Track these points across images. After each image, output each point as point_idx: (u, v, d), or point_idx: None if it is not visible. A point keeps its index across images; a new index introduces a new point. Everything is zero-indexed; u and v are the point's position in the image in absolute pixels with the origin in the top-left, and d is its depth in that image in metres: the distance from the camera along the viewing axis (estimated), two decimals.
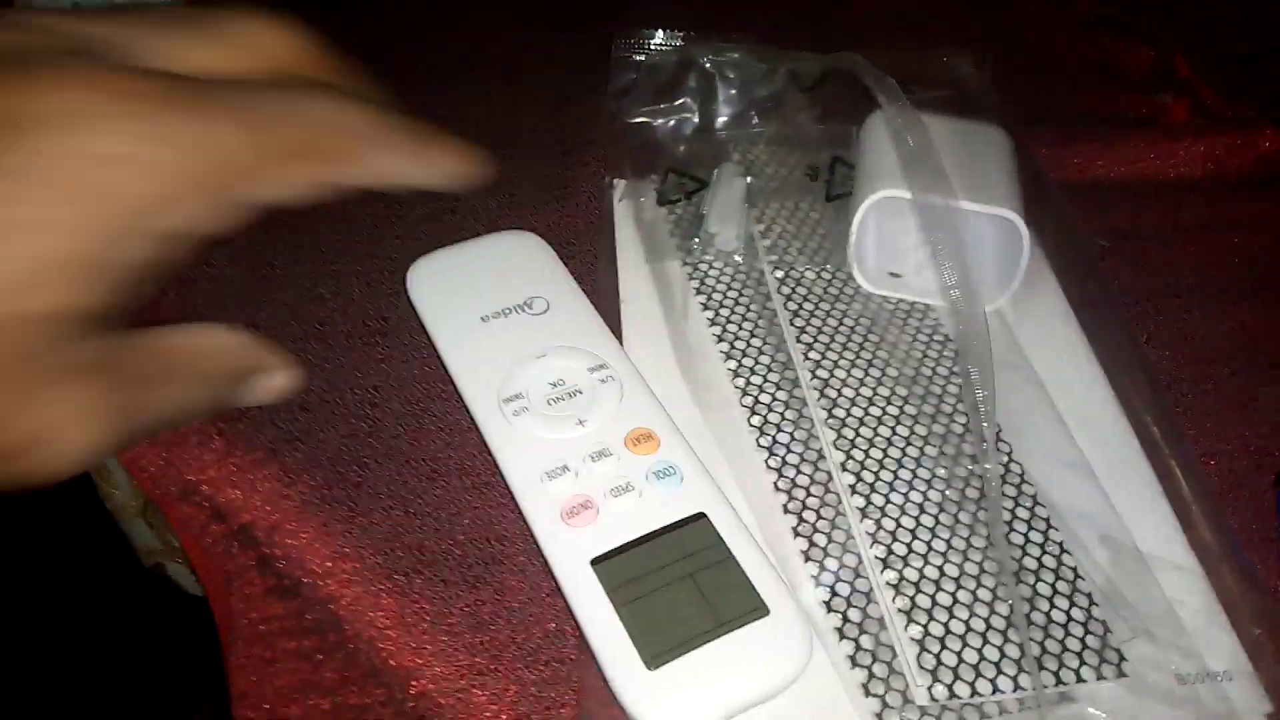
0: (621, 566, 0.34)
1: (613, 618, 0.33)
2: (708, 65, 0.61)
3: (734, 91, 0.61)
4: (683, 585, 0.34)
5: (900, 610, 0.40)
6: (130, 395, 0.24)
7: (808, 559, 0.42)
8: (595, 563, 0.35)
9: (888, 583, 0.41)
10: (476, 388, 0.40)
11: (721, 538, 0.36)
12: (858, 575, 0.41)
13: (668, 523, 0.36)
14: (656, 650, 0.33)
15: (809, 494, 0.44)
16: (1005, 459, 0.45)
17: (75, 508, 0.64)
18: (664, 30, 0.61)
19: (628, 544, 0.35)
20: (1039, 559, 0.42)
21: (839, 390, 0.48)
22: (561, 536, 0.36)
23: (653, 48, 0.61)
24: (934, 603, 0.40)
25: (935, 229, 0.47)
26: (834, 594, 0.41)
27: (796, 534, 0.43)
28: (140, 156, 0.22)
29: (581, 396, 0.40)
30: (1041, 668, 0.38)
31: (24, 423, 0.22)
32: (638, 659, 0.33)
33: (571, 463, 0.37)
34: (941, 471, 0.44)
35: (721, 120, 0.61)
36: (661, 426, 0.40)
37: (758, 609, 0.34)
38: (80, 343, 0.22)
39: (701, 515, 0.37)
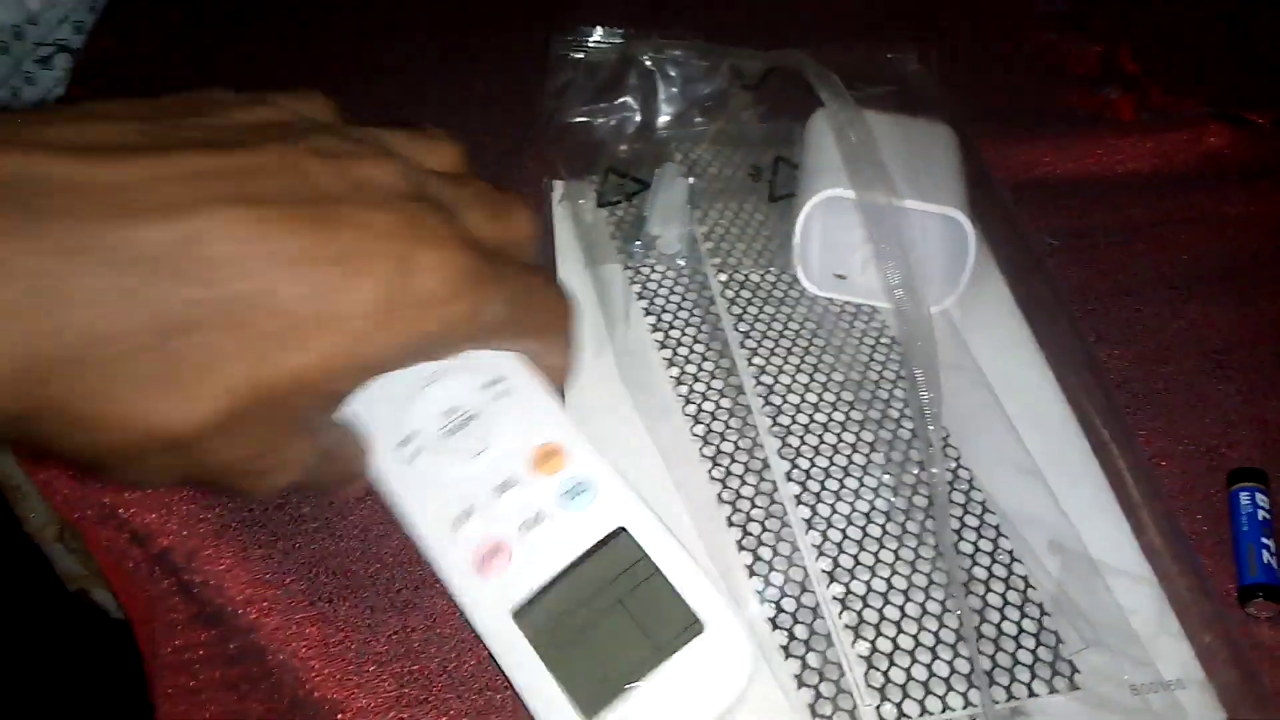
0: (544, 611, 0.32)
1: (541, 670, 0.31)
2: (648, 63, 0.59)
3: (675, 90, 0.59)
4: (612, 615, 0.32)
5: (847, 626, 0.38)
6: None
7: (753, 573, 0.41)
8: (517, 615, 0.32)
9: (834, 596, 0.39)
10: (375, 431, 0.35)
11: (645, 551, 0.33)
12: (804, 589, 0.40)
13: (586, 547, 0.34)
14: (591, 699, 0.31)
15: (754, 505, 0.43)
16: (953, 464, 0.44)
17: None
18: (603, 27, 0.59)
19: (548, 584, 0.33)
20: (989, 569, 0.41)
21: (784, 397, 0.46)
22: (477, 591, 0.33)
23: (591, 45, 0.59)
24: (882, 617, 0.39)
25: (879, 228, 0.46)
26: (779, 609, 0.39)
27: (741, 547, 0.41)
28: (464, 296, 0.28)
29: (476, 421, 0.35)
30: (992, 683, 0.37)
31: (277, 456, 0.28)
32: (572, 712, 0.31)
33: (477, 501, 0.34)
34: (888, 479, 0.43)
35: (663, 119, 0.59)
36: (566, 437, 0.36)
37: (692, 625, 0.32)
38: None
39: (620, 530, 0.34)
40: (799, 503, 0.42)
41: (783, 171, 0.55)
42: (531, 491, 0.34)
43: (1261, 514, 0.43)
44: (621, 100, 0.59)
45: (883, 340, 0.49)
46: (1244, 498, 0.43)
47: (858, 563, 0.40)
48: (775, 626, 0.39)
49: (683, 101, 0.59)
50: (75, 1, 0.67)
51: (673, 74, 0.60)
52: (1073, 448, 0.46)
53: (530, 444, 0.34)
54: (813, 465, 0.43)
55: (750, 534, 0.42)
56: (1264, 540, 0.42)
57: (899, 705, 0.36)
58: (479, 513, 0.33)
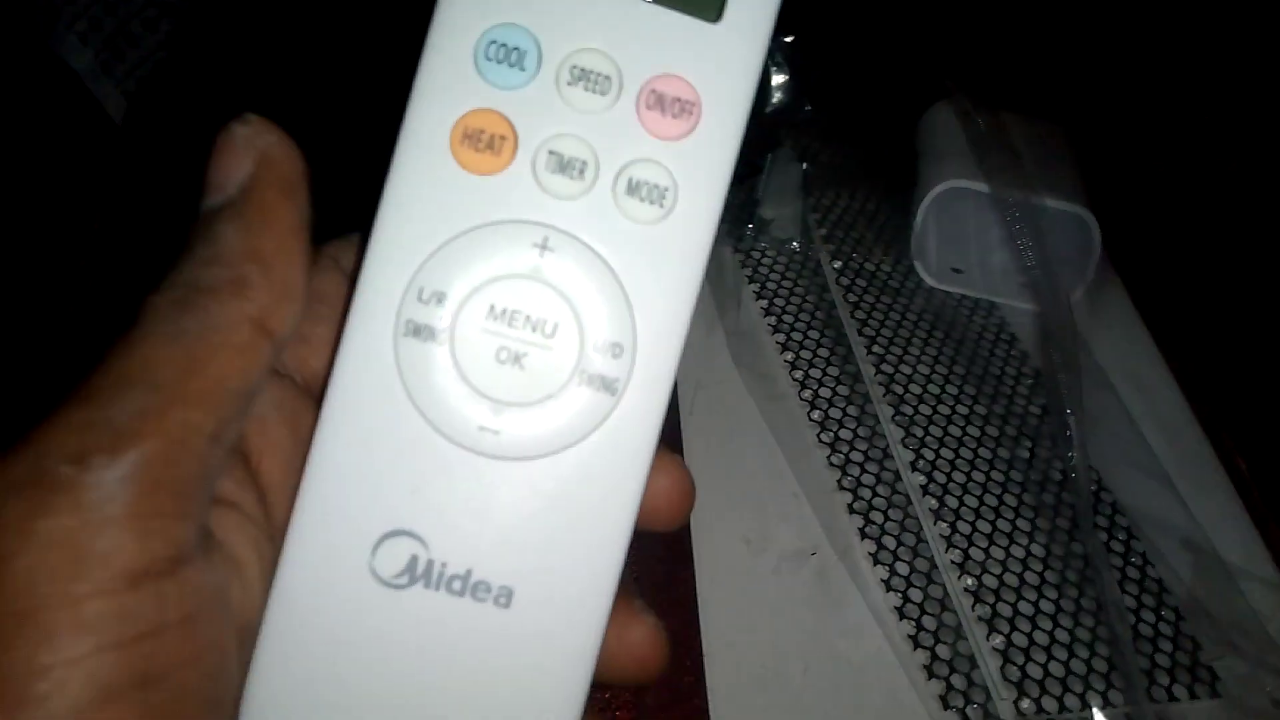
0: None
1: None
2: None
3: (786, 77, 0.59)
4: None
5: (980, 618, 0.37)
6: None
7: (876, 561, 0.40)
8: None
9: (966, 589, 0.38)
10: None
11: None
12: (930, 581, 0.39)
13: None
14: None
15: (875, 494, 0.42)
16: (1087, 459, 0.43)
17: None
18: None
19: None
20: (1122, 570, 0.40)
21: (905, 387, 0.45)
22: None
23: None
24: (1016, 611, 0.38)
25: (1011, 216, 0.45)
26: (906, 599, 0.39)
27: (864, 535, 0.41)
28: None
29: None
30: (1134, 685, 0.36)
31: None
32: None
33: None
34: (1017, 474, 0.42)
35: (773, 105, 0.58)
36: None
37: None
38: None
39: None
40: (925, 493, 0.41)
41: (901, 161, 0.54)
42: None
43: None
44: None
45: (1003, 335, 0.48)
46: None
47: (988, 556, 0.39)
48: (903, 616, 0.38)
49: (793, 88, 0.59)
50: None
51: (783, 60, 0.59)
52: (1198, 452, 0.45)
53: None
54: (938, 456, 0.43)
55: (873, 522, 0.41)
56: None
57: (1037, 700, 0.35)
58: None
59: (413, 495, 0.20)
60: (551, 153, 0.20)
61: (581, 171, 0.20)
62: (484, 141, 0.20)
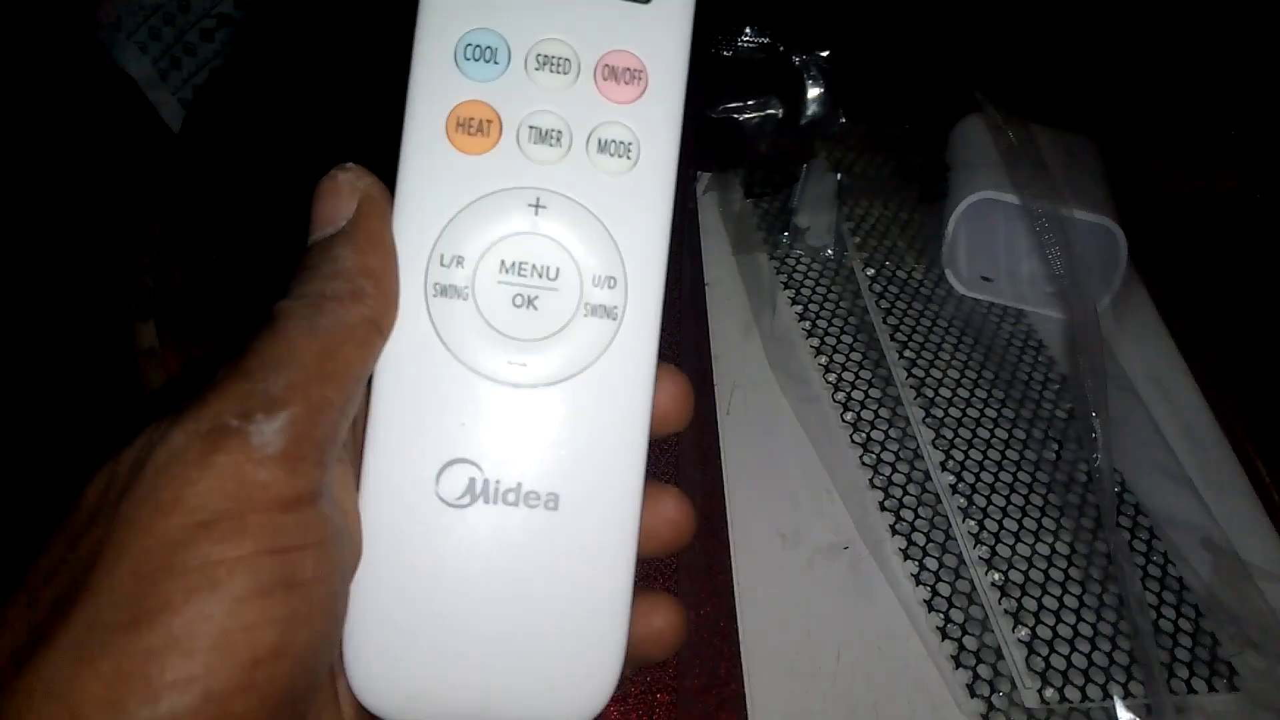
0: None
1: None
2: (795, 62, 0.60)
3: (821, 89, 0.61)
4: None
5: (1006, 611, 0.39)
6: None
7: (907, 557, 0.41)
8: None
9: (993, 583, 0.40)
10: None
11: None
12: (958, 576, 0.41)
13: None
14: None
15: (905, 492, 0.44)
16: (1110, 462, 0.45)
17: None
18: (751, 27, 0.61)
19: None
20: (1144, 568, 0.41)
21: (935, 390, 0.47)
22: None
23: (741, 44, 0.61)
24: (1040, 605, 0.39)
25: (1040, 226, 0.47)
26: (935, 593, 0.40)
27: (895, 531, 0.42)
28: None
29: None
30: (1154, 677, 0.37)
31: None
32: None
33: None
34: (1043, 475, 0.44)
35: (808, 117, 0.60)
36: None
37: None
38: None
39: None
40: (954, 491, 0.43)
41: (933, 172, 0.56)
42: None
43: None
44: (767, 97, 0.61)
45: (1031, 342, 0.50)
46: None
47: (1014, 552, 0.41)
48: (931, 609, 0.40)
49: (828, 100, 0.61)
50: None
51: (818, 73, 0.61)
52: (1219, 456, 0.46)
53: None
54: (966, 457, 0.44)
55: (903, 519, 0.43)
56: None
57: (1060, 690, 0.37)
58: None
59: (462, 428, 0.24)
60: (531, 128, 0.24)
61: (558, 139, 0.24)
62: (474, 127, 0.24)
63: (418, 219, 0.24)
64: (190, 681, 0.18)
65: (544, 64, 0.24)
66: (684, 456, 0.46)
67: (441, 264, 0.24)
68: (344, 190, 0.24)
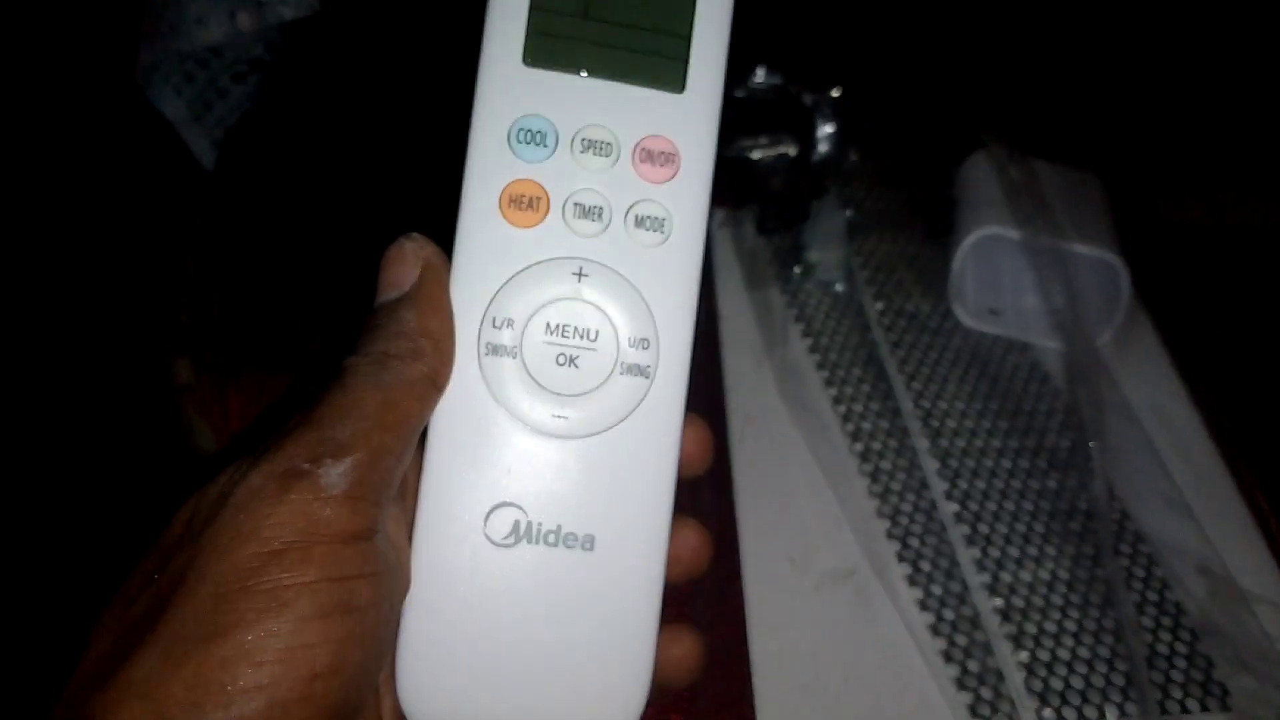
0: None
1: None
2: (807, 102, 0.62)
3: (832, 128, 0.63)
4: None
5: (1008, 635, 0.41)
6: None
7: (912, 583, 0.43)
8: None
9: (995, 608, 0.42)
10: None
11: None
12: (963, 601, 0.42)
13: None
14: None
15: (912, 520, 0.45)
16: (1109, 491, 0.46)
17: None
18: (763, 67, 0.63)
19: None
20: (1142, 593, 0.43)
21: (942, 421, 0.49)
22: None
23: (754, 84, 0.63)
24: (1041, 629, 0.41)
25: (1041, 262, 0.49)
26: (940, 618, 0.42)
27: (901, 559, 0.44)
28: None
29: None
30: (1147, 699, 0.39)
31: None
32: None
33: None
34: (1045, 504, 0.45)
35: (819, 155, 0.62)
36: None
37: None
38: None
39: None
40: (958, 520, 0.45)
41: (940, 209, 0.58)
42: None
43: None
44: (780, 135, 0.63)
45: (1036, 374, 0.52)
46: None
47: (1017, 579, 0.43)
48: (935, 633, 0.41)
49: (839, 139, 0.63)
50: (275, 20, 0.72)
51: (829, 112, 0.63)
52: (1219, 483, 0.48)
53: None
54: (971, 486, 0.46)
55: (909, 546, 0.44)
56: None
57: (1059, 711, 0.38)
58: None
59: (509, 474, 0.27)
60: (576, 204, 0.27)
61: (599, 215, 0.27)
62: (525, 203, 0.27)
63: (473, 285, 0.27)
64: (258, 689, 0.21)
65: (588, 147, 0.27)
66: (700, 484, 0.48)
67: (494, 326, 0.27)
68: (409, 258, 0.26)
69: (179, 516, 0.24)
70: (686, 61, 0.27)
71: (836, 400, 0.50)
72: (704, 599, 0.44)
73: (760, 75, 0.63)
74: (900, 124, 0.62)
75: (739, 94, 0.63)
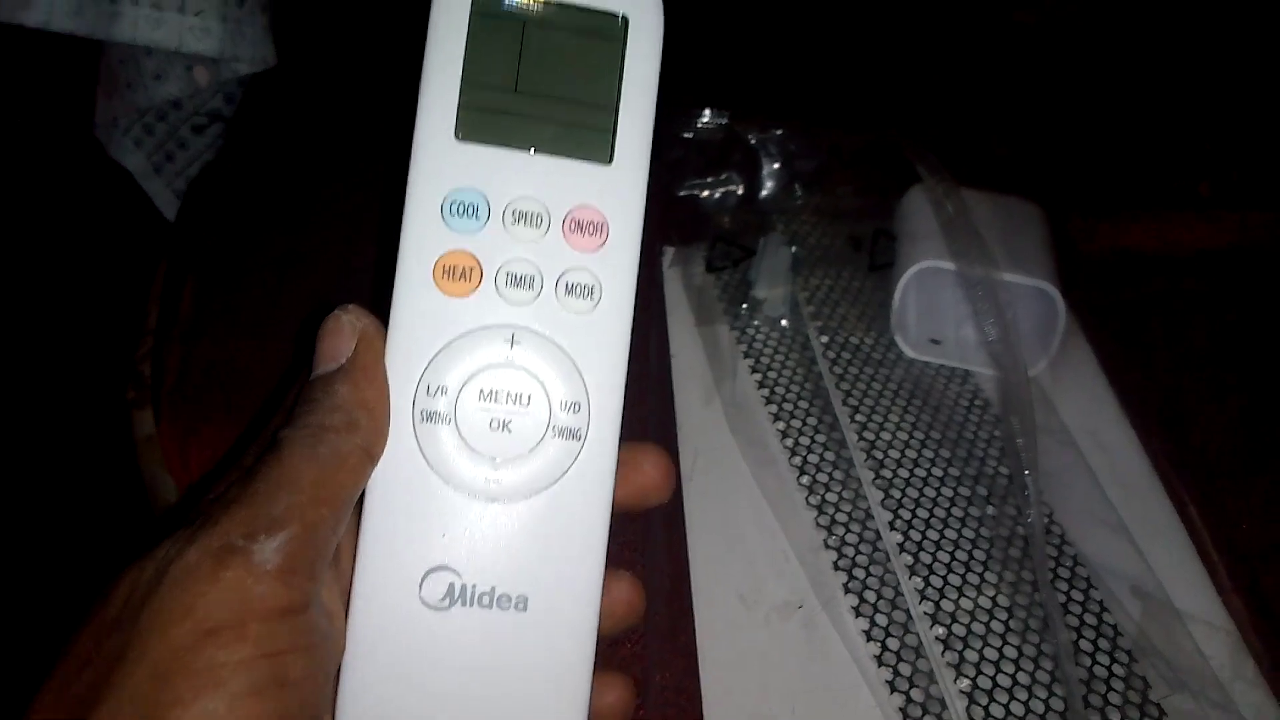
0: None
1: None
2: (752, 141, 0.64)
3: (777, 165, 0.64)
4: None
5: (949, 664, 0.42)
6: None
7: (859, 614, 0.44)
8: None
9: (937, 637, 0.42)
10: None
11: None
12: (907, 630, 0.43)
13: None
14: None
15: (858, 551, 0.46)
16: (1047, 518, 0.47)
17: None
18: (710, 109, 0.64)
19: None
20: (1080, 616, 0.44)
21: (885, 452, 0.50)
22: None
23: (700, 125, 0.64)
24: (981, 657, 0.42)
25: (976, 294, 0.50)
26: (884, 648, 0.43)
27: (847, 590, 0.45)
28: None
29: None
30: None
31: None
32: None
33: None
34: (986, 531, 0.46)
35: (765, 192, 0.64)
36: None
37: None
38: None
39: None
40: (901, 550, 0.46)
41: (880, 242, 0.59)
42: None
43: None
44: (727, 175, 0.64)
45: (977, 402, 0.53)
46: None
47: (958, 607, 0.44)
48: (881, 663, 0.42)
49: (784, 176, 0.64)
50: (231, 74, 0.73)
51: (774, 151, 0.64)
52: (1155, 505, 0.49)
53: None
54: (914, 516, 0.47)
55: (855, 578, 0.45)
56: None
57: None
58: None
59: (443, 538, 0.27)
60: (508, 273, 0.28)
61: (531, 283, 0.28)
62: (458, 273, 0.28)
63: (408, 354, 0.28)
64: None
65: (519, 218, 0.28)
66: (653, 521, 0.49)
67: (428, 393, 0.28)
68: (345, 330, 0.27)
69: (117, 591, 0.24)
70: (613, 134, 0.28)
71: (784, 434, 0.51)
72: (656, 637, 0.44)
73: (707, 116, 0.65)
74: (841, 160, 0.64)
75: (686, 135, 0.65)
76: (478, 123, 0.28)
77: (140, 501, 0.58)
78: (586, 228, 0.28)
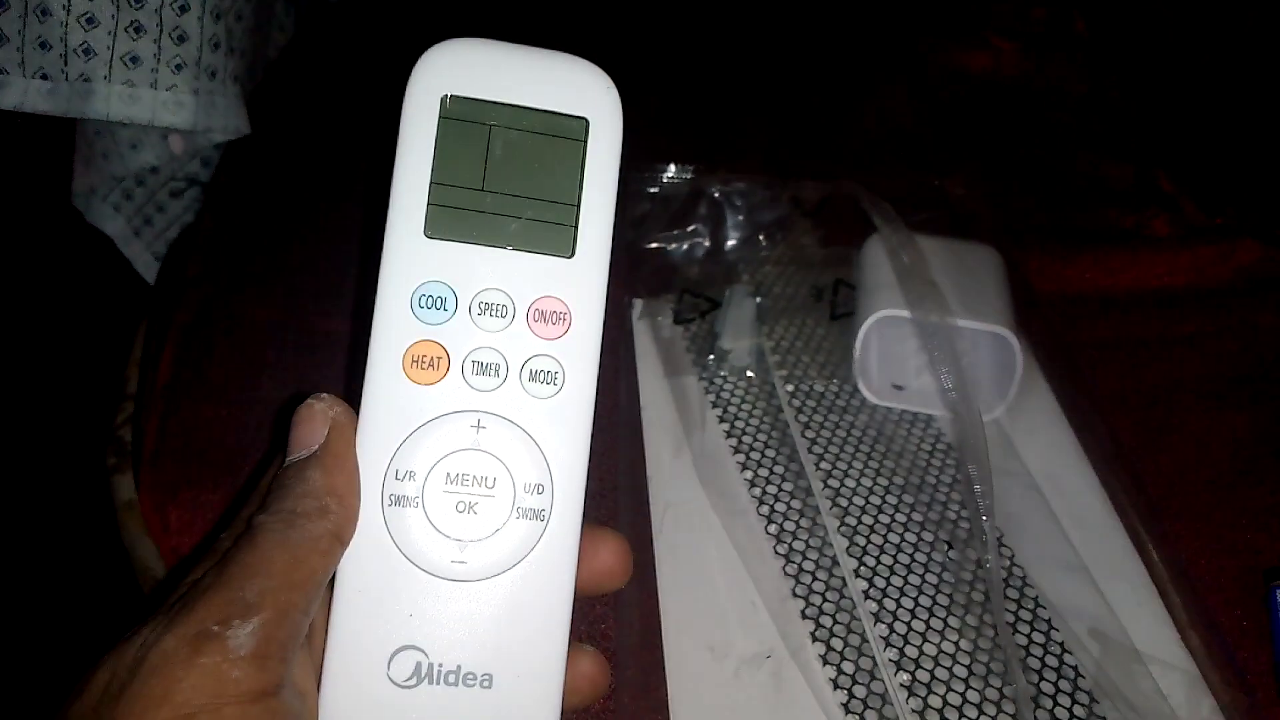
0: None
1: None
2: (716, 194, 0.66)
3: (741, 217, 0.66)
4: None
5: (914, 711, 0.42)
6: None
7: (826, 662, 0.45)
8: None
9: (901, 684, 0.43)
10: None
11: None
12: (873, 677, 0.44)
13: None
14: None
15: (825, 599, 0.47)
16: (1008, 562, 0.48)
17: None
18: (675, 164, 0.66)
19: None
20: (1041, 659, 0.45)
21: (849, 499, 0.51)
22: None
23: (666, 180, 0.66)
24: (945, 703, 0.43)
25: (933, 342, 0.51)
26: (851, 695, 0.44)
27: (815, 638, 0.46)
28: None
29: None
30: None
31: None
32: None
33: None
34: (948, 576, 0.47)
35: (730, 244, 0.65)
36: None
37: None
38: None
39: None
40: (867, 597, 0.47)
41: (842, 292, 0.61)
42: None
43: None
44: (693, 228, 0.66)
45: (939, 446, 0.54)
46: None
47: (922, 652, 0.44)
48: (847, 711, 0.43)
49: (748, 228, 0.66)
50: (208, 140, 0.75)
51: (738, 203, 0.66)
52: (1115, 545, 0.50)
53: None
54: (878, 562, 0.48)
55: (823, 626, 0.46)
56: None
57: None
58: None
59: (411, 618, 0.28)
60: (474, 361, 0.29)
61: (497, 371, 0.30)
62: (426, 362, 0.29)
63: (378, 440, 0.29)
64: None
65: (485, 309, 0.30)
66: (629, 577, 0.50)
67: (396, 478, 0.29)
68: (318, 418, 0.29)
69: (96, 678, 0.25)
70: (575, 229, 0.30)
71: (752, 484, 0.52)
72: (629, 692, 0.45)
73: (672, 170, 0.66)
74: (803, 211, 0.65)
75: (653, 190, 0.66)
76: (446, 221, 0.30)
77: (123, 566, 0.59)
78: (550, 317, 0.30)
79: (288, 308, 0.64)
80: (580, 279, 0.30)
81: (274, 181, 0.75)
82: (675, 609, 0.47)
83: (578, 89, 0.31)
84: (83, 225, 0.79)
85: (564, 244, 0.30)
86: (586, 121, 0.30)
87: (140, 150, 0.71)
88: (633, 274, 0.64)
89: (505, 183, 0.30)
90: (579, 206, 0.30)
